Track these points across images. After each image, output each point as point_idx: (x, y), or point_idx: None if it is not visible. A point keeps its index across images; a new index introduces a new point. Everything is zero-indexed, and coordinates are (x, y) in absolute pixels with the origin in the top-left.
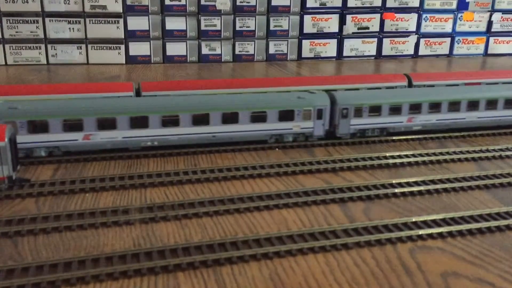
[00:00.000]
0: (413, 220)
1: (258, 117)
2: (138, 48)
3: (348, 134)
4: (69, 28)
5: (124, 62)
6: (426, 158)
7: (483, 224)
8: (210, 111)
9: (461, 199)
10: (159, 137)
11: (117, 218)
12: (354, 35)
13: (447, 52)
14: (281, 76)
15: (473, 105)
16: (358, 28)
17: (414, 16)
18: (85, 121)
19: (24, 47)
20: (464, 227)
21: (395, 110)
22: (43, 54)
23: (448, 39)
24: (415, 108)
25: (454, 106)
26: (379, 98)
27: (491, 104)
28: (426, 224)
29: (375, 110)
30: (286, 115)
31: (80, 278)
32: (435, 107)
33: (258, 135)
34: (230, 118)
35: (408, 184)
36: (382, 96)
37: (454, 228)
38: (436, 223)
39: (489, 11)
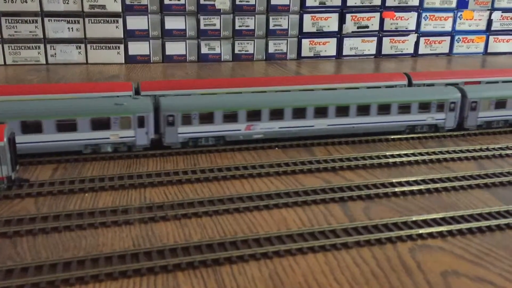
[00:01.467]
0: (413, 219)
1: (66, 126)
2: (138, 48)
3: (177, 143)
4: (68, 28)
5: (123, 62)
6: (426, 157)
7: (483, 223)
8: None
9: (461, 198)
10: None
11: (117, 218)
12: (354, 34)
13: (447, 51)
14: (281, 75)
15: (321, 111)
16: (358, 27)
17: (414, 15)
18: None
19: (23, 47)
20: (464, 226)
21: (231, 117)
22: (42, 54)
23: (448, 38)
24: (254, 115)
25: (299, 113)
26: (211, 104)
27: (343, 111)
28: (426, 223)
29: (207, 117)
30: (101, 124)
31: (79, 278)
32: (276, 113)
33: (68, 145)
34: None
35: (408, 183)
36: (215, 102)
37: (454, 227)
38: (436, 222)
39: (488, 9)
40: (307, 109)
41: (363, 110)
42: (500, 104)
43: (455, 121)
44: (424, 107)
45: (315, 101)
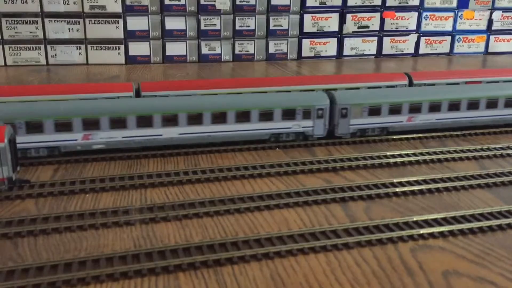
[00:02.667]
0: (414, 219)
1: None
2: (138, 48)
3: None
4: (69, 29)
5: (123, 62)
6: (427, 157)
7: (484, 223)
8: None
9: (462, 198)
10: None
11: (117, 219)
12: (354, 34)
13: (447, 50)
14: (280, 75)
15: (171, 119)
16: (358, 27)
17: (414, 14)
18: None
19: (23, 48)
20: (465, 226)
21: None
22: (43, 54)
23: (449, 38)
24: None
25: (146, 121)
26: (41, 112)
27: (195, 118)
28: (427, 223)
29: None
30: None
31: (81, 279)
32: (119, 122)
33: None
34: None
35: (409, 183)
36: (46, 110)
37: (455, 227)
38: (437, 222)
39: (489, 9)
40: (154, 117)
41: (219, 117)
42: (374, 111)
43: (324, 129)
44: (289, 114)
45: (166, 108)
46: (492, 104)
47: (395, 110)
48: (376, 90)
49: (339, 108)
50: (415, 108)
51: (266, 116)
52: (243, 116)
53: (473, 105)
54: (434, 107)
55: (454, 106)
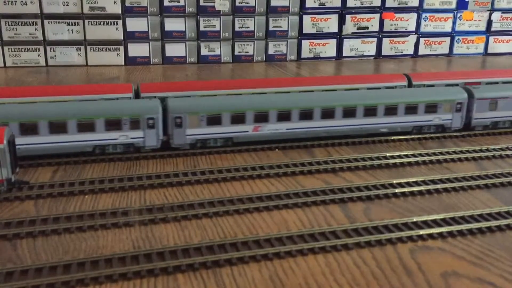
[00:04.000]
0: (414, 220)
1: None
2: (137, 49)
3: None
4: (68, 30)
5: (123, 64)
6: (426, 158)
7: (483, 224)
8: None
9: (462, 199)
10: None
11: (116, 220)
12: (354, 35)
13: (447, 51)
14: (280, 77)
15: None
16: (358, 28)
17: (414, 15)
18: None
19: (23, 49)
20: (464, 227)
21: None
22: (42, 56)
23: (448, 39)
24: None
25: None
26: None
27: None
28: (427, 224)
29: None
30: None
31: (80, 280)
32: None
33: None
34: None
35: (408, 184)
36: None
37: (454, 228)
38: (436, 223)
39: (488, 10)
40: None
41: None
42: (214, 120)
43: (157, 140)
44: (113, 124)
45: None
46: (349, 112)
47: (238, 119)
48: (216, 98)
49: (172, 117)
50: (261, 117)
51: (88, 127)
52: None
53: (327, 114)
54: (283, 116)
55: (306, 115)
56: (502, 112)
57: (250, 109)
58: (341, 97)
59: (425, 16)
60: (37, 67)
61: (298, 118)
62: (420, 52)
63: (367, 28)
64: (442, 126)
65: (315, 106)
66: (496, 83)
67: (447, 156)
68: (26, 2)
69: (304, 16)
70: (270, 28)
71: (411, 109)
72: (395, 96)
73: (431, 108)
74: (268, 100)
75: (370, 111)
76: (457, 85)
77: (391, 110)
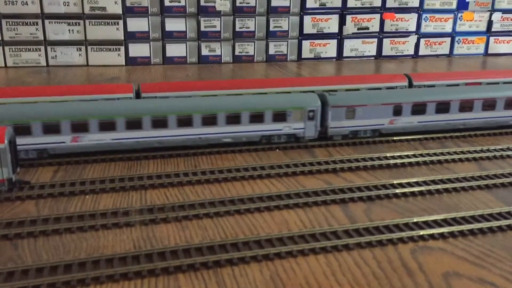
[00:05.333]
0: (414, 220)
1: None
2: (138, 50)
3: None
4: (69, 30)
5: (124, 64)
6: (427, 158)
7: (484, 224)
8: None
9: (462, 199)
10: None
11: (117, 220)
12: (354, 36)
13: (447, 52)
14: (281, 77)
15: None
16: (358, 29)
17: (414, 16)
18: None
19: (23, 49)
20: (465, 227)
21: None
22: (43, 56)
23: (448, 39)
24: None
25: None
26: None
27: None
28: (428, 224)
29: None
30: None
31: (80, 280)
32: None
33: None
34: None
35: (409, 185)
36: None
37: (455, 228)
38: (437, 223)
39: (489, 10)
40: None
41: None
42: (23, 129)
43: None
44: None
45: None
46: (184, 121)
47: (52, 129)
48: (24, 105)
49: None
50: (80, 127)
51: None
52: None
53: (160, 123)
54: (107, 126)
55: (135, 124)
56: (361, 120)
57: (66, 118)
58: (175, 105)
59: (426, 17)
60: (37, 67)
61: (125, 128)
62: (421, 53)
63: (368, 28)
64: (294, 136)
65: (144, 115)
66: (497, 83)
67: (448, 157)
68: (27, 2)
69: (305, 17)
70: (271, 28)
71: (256, 118)
72: (237, 104)
73: (280, 116)
74: (88, 108)
75: (209, 120)
76: (458, 85)
77: (233, 119)
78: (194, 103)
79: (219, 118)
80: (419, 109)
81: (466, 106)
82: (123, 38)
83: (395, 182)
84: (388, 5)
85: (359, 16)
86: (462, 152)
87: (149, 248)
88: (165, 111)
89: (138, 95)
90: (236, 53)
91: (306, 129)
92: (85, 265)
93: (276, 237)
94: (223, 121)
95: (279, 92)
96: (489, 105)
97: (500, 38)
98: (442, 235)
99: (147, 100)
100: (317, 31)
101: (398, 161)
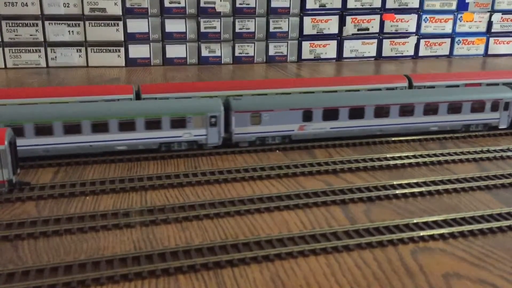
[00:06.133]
0: (415, 221)
1: None
2: (138, 51)
3: None
4: (69, 31)
5: (123, 65)
6: (427, 159)
7: (484, 225)
8: None
9: (463, 200)
10: None
11: (118, 221)
12: (354, 36)
13: (447, 52)
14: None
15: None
16: (358, 29)
17: (414, 17)
18: None
19: (23, 50)
20: (465, 228)
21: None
22: (43, 57)
23: (448, 40)
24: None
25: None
26: None
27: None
28: (428, 225)
29: None
30: None
31: (81, 282)
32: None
33: None
34: None
35: (409, 185)
36: None
37: (455, 229)
38: (437, 224)
39: (489, 11)
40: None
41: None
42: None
43: None
44: None
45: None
46: (72, 128)
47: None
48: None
49: None
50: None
51: None
52: None
53: (44, 130)
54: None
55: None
56: (268, 126)
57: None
58: (61, 111)
59: (426, 17)
60: (37, 68)
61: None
62: (421, 53)
63: (368, 29)
64: (196, 143)
65: (27, 122)
66: (497, 84)
67: (448, 157)
68: (26, 3)
69: (305, 17)
70: (271, 29)
71: (152, 124)
72: (130, 110)
73: (178, 122)
74: None
75: (100, 127)
76: (458, 86)
77: (127, 126)
78: (82, 109)
79: (110, 124)
80: (331, 114)
81: (382, 111)
82: (123, 39)
83: (395, 183)
84: (388, 6)
85: (359, 17)
86: (462, 153)
87: (149, 249)
88: (50, 118)
89: (138, 96)
90: (236, 54)
91: (208, 135)
92: (86, 266)
93: (276, 238)
94: (115, 128)
95: (278, 93)
96: (407, 110)
97: (500, 38)
98: (442, 236)
99: (29, 107)
100: (317, 32)
101: (398, 162)
